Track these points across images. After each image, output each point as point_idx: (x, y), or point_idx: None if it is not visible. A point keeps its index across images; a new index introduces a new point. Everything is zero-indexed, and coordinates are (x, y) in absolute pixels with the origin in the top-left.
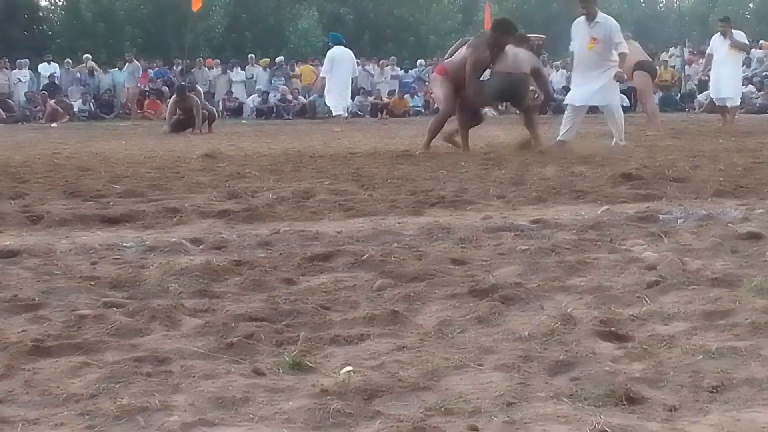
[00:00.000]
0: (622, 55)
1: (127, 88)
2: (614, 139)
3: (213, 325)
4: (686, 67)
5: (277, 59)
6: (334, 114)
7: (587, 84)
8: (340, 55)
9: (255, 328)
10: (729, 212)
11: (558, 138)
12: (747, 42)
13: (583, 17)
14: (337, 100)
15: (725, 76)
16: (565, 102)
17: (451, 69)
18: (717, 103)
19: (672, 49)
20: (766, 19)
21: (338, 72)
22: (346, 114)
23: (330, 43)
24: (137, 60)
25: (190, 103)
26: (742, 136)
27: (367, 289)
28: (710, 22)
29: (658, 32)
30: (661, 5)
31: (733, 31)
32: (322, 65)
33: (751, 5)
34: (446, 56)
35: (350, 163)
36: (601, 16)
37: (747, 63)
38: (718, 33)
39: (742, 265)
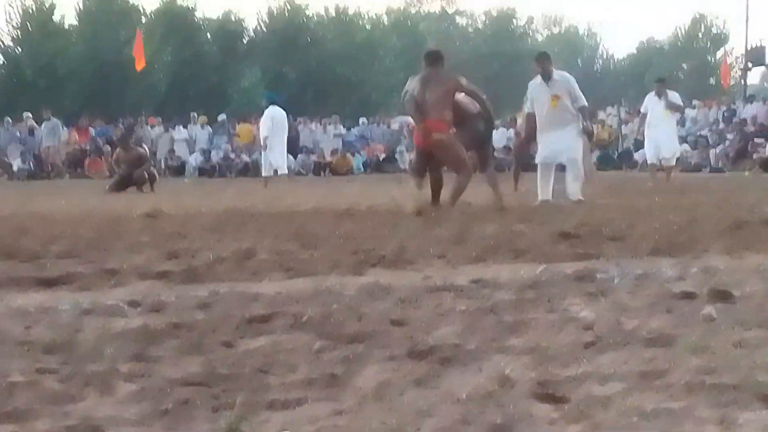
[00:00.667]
0: (583, 108)
1: (48, 147)
2: (570, 193)
3: (148, 390)
4: (623, 125)
5: (219, 117)
6: (279, 173)
7: (554, 142)
8: (278, 114)
9: (191, 393)
10: (664, 271)
11: (540, 199)
12: (681, 103)
13: (539, 78)
14: (281, 158)
15: (661, 135)
16: (535, 161)
17: (447, 116)
18: (651, 162)
19: (609, 108)
20: (699, 79)
21: (278, 131)
22: (287, 173)
23: (265, 103)
24: (72, 117)
25: (133, 154)
26: (678, 194)
27: (305, 351)
28: (646, 82)
29: (596, 92)
30: (598, 65)
31: (668, 91)
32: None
33: (684, 65)
34: (408, 105)
35: (292, 222)
36: (557, 73)
37: (681, 122)
38: (653, 93)
39: (677, 325)
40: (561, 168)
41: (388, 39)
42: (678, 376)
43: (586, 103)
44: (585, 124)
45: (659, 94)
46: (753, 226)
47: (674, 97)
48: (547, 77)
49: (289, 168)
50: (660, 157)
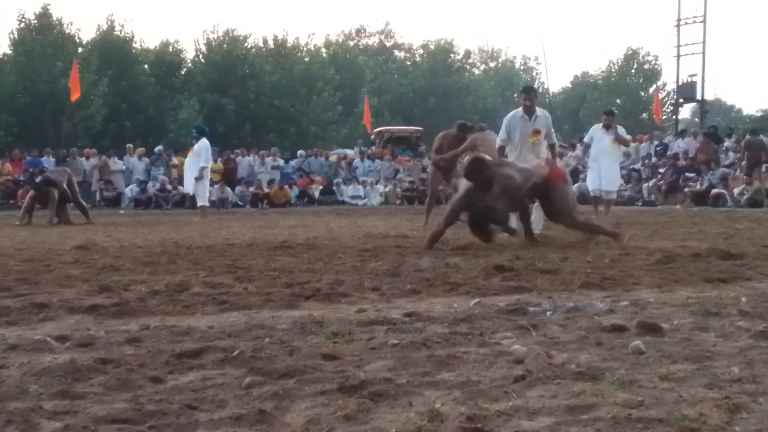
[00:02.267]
0: (553, 146)
1: None
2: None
3: (73, 428)
4: (557, 159)
5: (156, 149)
6: (200, 204)
7: (608, 172)
8: (209, 146)
9: (116, 431)
10: (595, 304)
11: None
12: (629, 137)
13: (520, 110)
14: (207, 190)
15: (605, 169)
16: None
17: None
18: (593, 194)
19: None
20: (632, 114)
21: (208, 163)
22: (207, 204)
23: (195, 134)
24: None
25: (47, 197)
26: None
27: (235, 386)
28: (580, 117)
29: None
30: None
31: (617, 125)
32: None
33: (618, 100)
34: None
35: (227, 255)
36: (539, 109)
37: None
38: (600, 125)
39: (606, 358)
40: None
41: (327, 72)
42: (605, 411)
43: (557, 141)
44: (553, 160)
45: (607, 127)
46: (682, 260)
47: (622, 131)
48: (531, 112)
49: (225, 200)
50: (601, 190)
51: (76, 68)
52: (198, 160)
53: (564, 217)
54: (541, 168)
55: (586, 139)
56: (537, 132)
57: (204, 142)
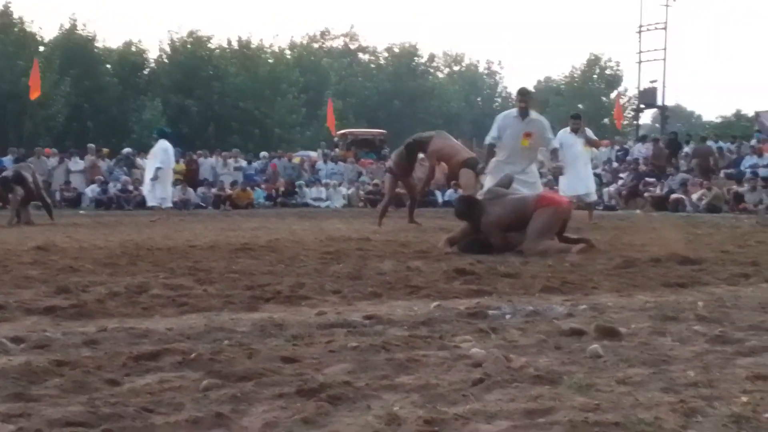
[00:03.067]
0: (554, 151)
1: None
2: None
3: (26, 431)
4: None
5: (124, 150)
6: (164, 206)
7: (517, 181)
8: (170, 148)
9: None
10: (555, 308)
11: None
12: (597, 138)
13: (514, 111)
14: (168, 191)
15: (582, 172)
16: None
17: None
18: (574, 200)
19: None
20: (594, 120)
21: (169, 164)
22: (170, 206)
23: (155, 136)
24: None
25: (8, 195)
26: (571, 232)
27: (193, 389)
28: None
29: None
30: (497, 105)
31: (585, 128)
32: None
33: (580, 106)
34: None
35: (188, 257)
36: (533, 113)
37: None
38: (568, 129)
39: (564, 362)
40: None
41: (291, 74)
42: (562, 414)
43: (557, 146)
44: (555, 165)
45: (576, 131)
46: (642, 264)
47: (590, 133)
48: (525, 114)
49: (187, 201)
50: (581, 195)
51: (36, 67)
52: (155, 162)
53: (526, 239)
54: (542, 199)
55: (555, 144)
56: (528, 135)
57: (162, 144)
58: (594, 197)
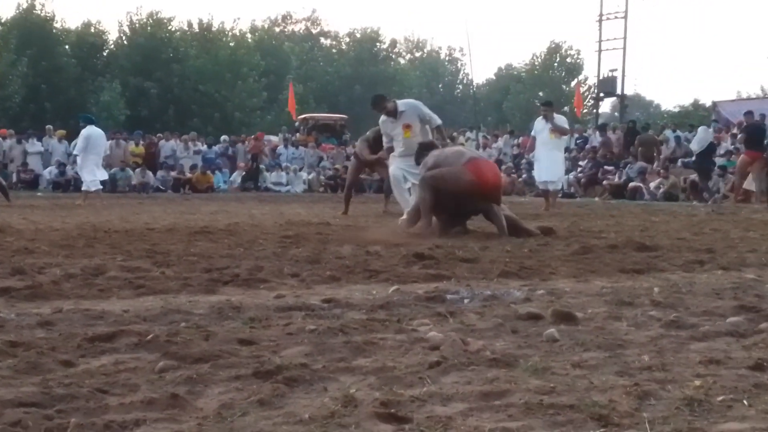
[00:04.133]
0: (439, 128)
1: None
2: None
3: None
4: (481, 150)
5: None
6: (93, 189)
7: (411, 165)
8: (95, 134)
9: (23, 415)
10: (512, 293)
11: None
12: (567, 126)
13: (382, 116)
14: (93, 175)
15: (546, 159)
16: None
17: None
18: (541, 187)
19: (468, 133)
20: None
21: (93, 150)
22: (101, 188)
23: (82, 123)
24: None
25: None
26: (531, 219)
27: (148, 371)
28: (504, 109)
29: (456, 117)
30: (459, 91)
31: (555, 115)
32: (124, 140)
33: (541, 94)
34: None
35: (146, 239)
36: (402, 103)
37: None
38: (541, 117)
39: (521, 346)
40: None
41: (252, 57)
42: (518, 397)
43: (440, 122)
44: (443, 143)
45: (546, 118)
46: (599, 251)
47: (560, 120)
48: (393, 113)
49: (146, 184)
50: (543, 181)
51: None
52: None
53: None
54: (470, 164)
55: (532, 132)
56: (407, 127)
57: (86, 131)
58: (558, 185)
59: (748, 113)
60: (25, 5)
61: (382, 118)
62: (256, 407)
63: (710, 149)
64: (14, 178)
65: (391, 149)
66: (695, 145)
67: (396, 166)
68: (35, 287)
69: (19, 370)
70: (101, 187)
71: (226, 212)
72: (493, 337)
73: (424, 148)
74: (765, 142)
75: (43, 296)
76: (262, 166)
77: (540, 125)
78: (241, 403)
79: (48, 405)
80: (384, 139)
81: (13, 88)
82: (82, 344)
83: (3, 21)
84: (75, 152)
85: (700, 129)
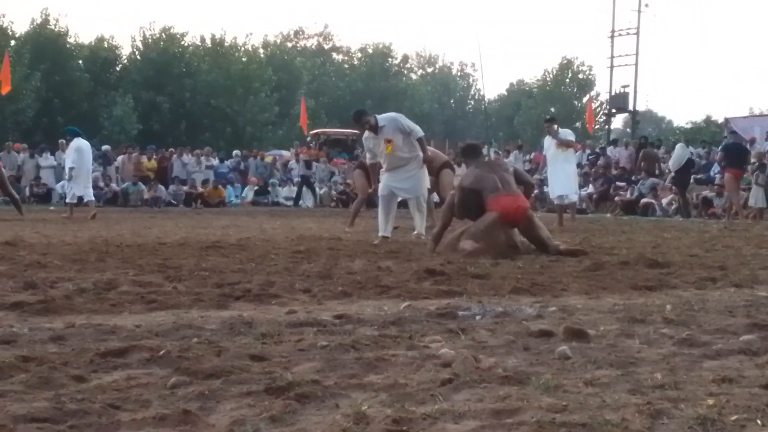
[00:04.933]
0: (420, 140)
1: None
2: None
3: None
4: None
5: (103, 148)
6: (86, 200)
7: (399, 180)
8: (84, 146)
9: (36, 430)
10: (524, 309)
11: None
12: (572, 138)
13: (366, 132)
14: (86, 188)
15: (558, 173)
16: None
17: None
18: (556, 202)
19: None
20: (566, 123)
21: (83, 162)
22: (93, 200)
23: (68, 137)
24: None
25: None
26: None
27: (160, 386)
28: (515, 124)
29: (467, 132)
30: (470, 107)
31: (559, 129)
32: (136, 152)
33: (552, 109)
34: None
35: (158, 254)
36: (381, 118)
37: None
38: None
39: (533, 363)
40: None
41: (264, 72)
42: (530, 415)
43: (422, 133)
44: (424, 155)
45: (550, 133)
46: (611, 267)
47: (565, 133)
48: (374, 129)
49: (158, 199)
50: (558, 195)
51: (7, 61)
52: (68, 162)
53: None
54: (493, 202)
55: (543, 151)
56: (389, 141)
57: (75, 143)
58: (572, 198)
59: (732, 133)
60: (39, 20)
61: (366, 134)
62: (267, 424)
63: (688, 165)
64: (27, 192)
65: (374, 165)
66: (673, 164)
67: (384, 185)
68: (47, 301)
69: (31, 385)
70: (76, 201)
71: (238, 227)
72: (504, 354)
73: (466, 155)
74: (748, 164)
75: (56, 311)
76: (274, 181)
77: (548, 142)
78: (252, 420)
79: (60, 420)
80: (367, 155)
81: (27, 102)
82: (94, 359)
83: (17, 35)
84: (70, 165)
85: (678, 147)
